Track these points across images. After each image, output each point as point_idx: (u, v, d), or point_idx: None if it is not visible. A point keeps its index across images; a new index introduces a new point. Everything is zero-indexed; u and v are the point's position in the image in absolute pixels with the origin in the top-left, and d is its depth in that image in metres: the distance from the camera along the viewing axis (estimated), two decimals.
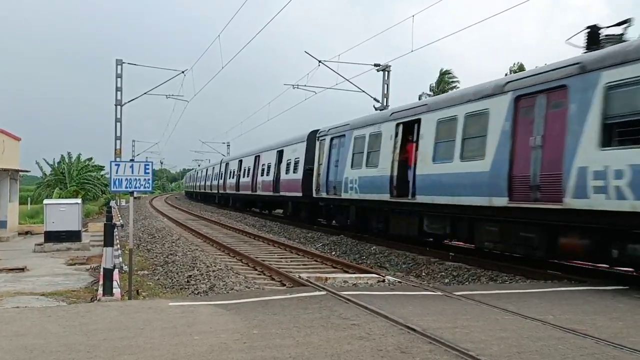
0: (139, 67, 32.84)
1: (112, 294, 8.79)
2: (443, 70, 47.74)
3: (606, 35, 10.54)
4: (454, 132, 12.88)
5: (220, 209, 43.16)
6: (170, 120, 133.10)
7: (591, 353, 5.23)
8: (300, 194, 24.10)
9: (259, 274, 12.33)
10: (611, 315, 7.02)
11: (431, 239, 15.74)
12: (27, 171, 30.58)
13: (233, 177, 39.32)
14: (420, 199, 14.27)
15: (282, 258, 15.14)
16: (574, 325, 6.25)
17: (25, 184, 48.29)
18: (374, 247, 16.54)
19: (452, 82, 46.68)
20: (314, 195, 21.72)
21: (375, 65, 27.00)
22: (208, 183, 52.99)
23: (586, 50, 10.44)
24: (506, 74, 31.85)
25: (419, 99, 20.45)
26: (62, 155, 50.81)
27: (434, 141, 13.84)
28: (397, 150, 15.78)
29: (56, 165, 49.78)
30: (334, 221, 22.20)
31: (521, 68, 37.47)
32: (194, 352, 5.17)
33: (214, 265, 12.75)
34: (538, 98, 10.61)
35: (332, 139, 20.50)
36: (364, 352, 5.17)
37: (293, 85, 29.28)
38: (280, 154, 27.89)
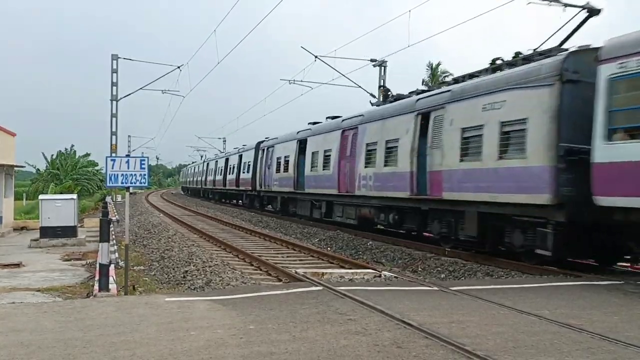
0: (134, 63, 32.71)
1: (108, 290, 8.77)
2: (434, 65, 47.33)
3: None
4: None
5: (216, 205, 43.11)
6: (166, 115, 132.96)
7: (586, 347, 5.26)
8: (546, 196, 10.34)
9: (256, 270, 12.33)
10: (606, 309, 7.06)
11: None
12: (22, 167, 30.47)
13: (285, 170, 25.81)
14: None
15: (278, 253, 15.14)
16: (570, 320, 6.28)
17: (21, 179, 48.11)
18: (370, 243, 16.56)
19: (445, 76, 46.46)
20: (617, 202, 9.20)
21: (372, 60, 26.97)
22: (230, 177, 39.52)
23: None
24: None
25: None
26: (58, 151, 50.74)
27: None
28: None
29: (51, 159, 49.62)
30: None
31: None
32: (191, 347, 5.17)
33: (210, 261, 12.74)
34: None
35: None
36: (361, 347, 5.18)
37: (289, 81, 29.25)
38: (423, 118, 14.48)
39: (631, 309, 7.18)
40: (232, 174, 39.00)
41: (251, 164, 33.04)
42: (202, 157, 70.69)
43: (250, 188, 33.06)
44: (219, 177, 43.78)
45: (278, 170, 26.87)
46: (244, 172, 35.16)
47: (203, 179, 53.48)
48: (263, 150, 30.58)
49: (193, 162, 73.34)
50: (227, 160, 42.30)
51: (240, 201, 39.53)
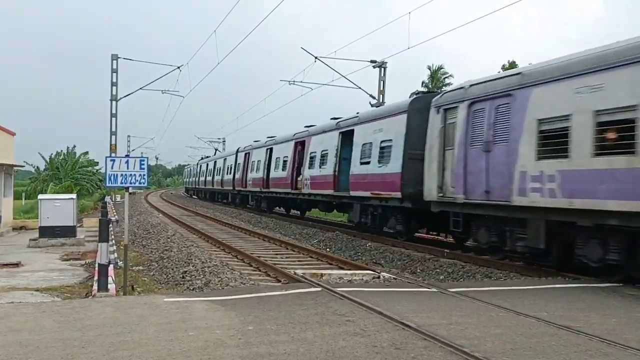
0: (134, 63, 32.70)
1: (107, 290, 8.78)
2: (434, 68, 47.29)
3: None
4: None
5: (215, 205, 43.08)
6: (166, 115, 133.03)
7: (584, 350, 5.26)
8: None
9: (254, 270, 12.34)
10: (604, 312, 7.07)
11: None
12: (21, 166, 30.48)
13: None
14: None
15: (277, 254, 15.15)
16: (568, 322, 6.29)
17: (20, 179, 48.11)
18: (370, 244, 16.57)
19: (446, 78, 46.53)
20: None
21: (372, 61, 26.97)
22: (314, 172, 22.62)
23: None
24: (499, 71, 31.91)
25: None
26: (57, 151, 50.76)
27: None
28: None
29: (50, 158, 49.62)
30: None
31: (512, 65, 37.58)
32: (189, 347, 5.18)
33: (209, 261, 12.74)
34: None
35: None
36: (359, 348, 5.18)
37: (289, 82, 29.21)
38: None
39: (629, 311, 7.19)
40: (318, 167, 22.09)
41: (396, 144, 16.27)
42: (216, 150, 59.51)
43: (395, 194, 15.98)
44: (281, 174, 26.68)
45: (560, 151, 10.28)
46: (363, 162, 18.14)
47: (235, 177, 36.04)
48: (452, 108, 13.37)
49: (205, 157, 58.40)
50: (298, 145, 25.25)
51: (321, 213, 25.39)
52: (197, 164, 58.51)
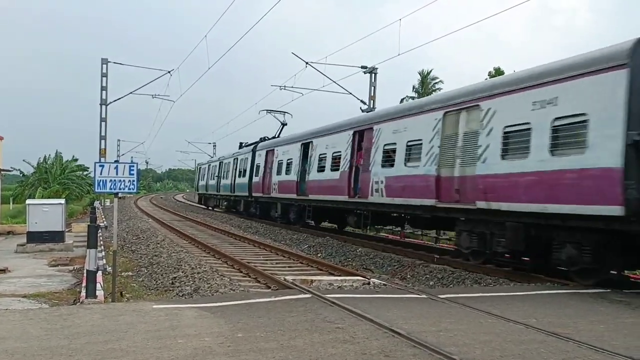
0: (124, 67, 32.66)
1: (95, 297, 8.70)
2: (424, 73, 47.57)
3: None
4: None
5: (205, 211, 42.91)
6: (156, 120, 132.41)
7: (573, 357, 5.29)
8: None
9: (244, 276, 12.29)
10: (592, 318, 7.12)
11: None
12: (8, 170, 30.23)
13: None
14: None
15: (267, 260, 15.11)
16: (556, 329, 6.32)
17: (7, 183, 47.64)
18: (360, 249, 16.58)
19: (436, 83, 46.88)
20: None
21: (363, 67, 27.05)
22: None
23: None
24: (486, 78, 32.10)
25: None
26: (45, 155, 50.29)
27: None
28: None
29: (38, 163, 49.16)
30: None
31: (498, 72, 37.94)
32: (178, 355, 5.14)
33: (199, 267, 12.68)
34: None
35: None
36: (348, 356, 5.17)
37: (280, 87, 29.20)
38: None
39: (617, 317, 7.24)
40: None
41: None
42: (281, 127, 31.41)
43: None
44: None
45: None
46: None
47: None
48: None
49: (260, 141, 30.88)
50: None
51: None
52: (252, 152, 30.40)
